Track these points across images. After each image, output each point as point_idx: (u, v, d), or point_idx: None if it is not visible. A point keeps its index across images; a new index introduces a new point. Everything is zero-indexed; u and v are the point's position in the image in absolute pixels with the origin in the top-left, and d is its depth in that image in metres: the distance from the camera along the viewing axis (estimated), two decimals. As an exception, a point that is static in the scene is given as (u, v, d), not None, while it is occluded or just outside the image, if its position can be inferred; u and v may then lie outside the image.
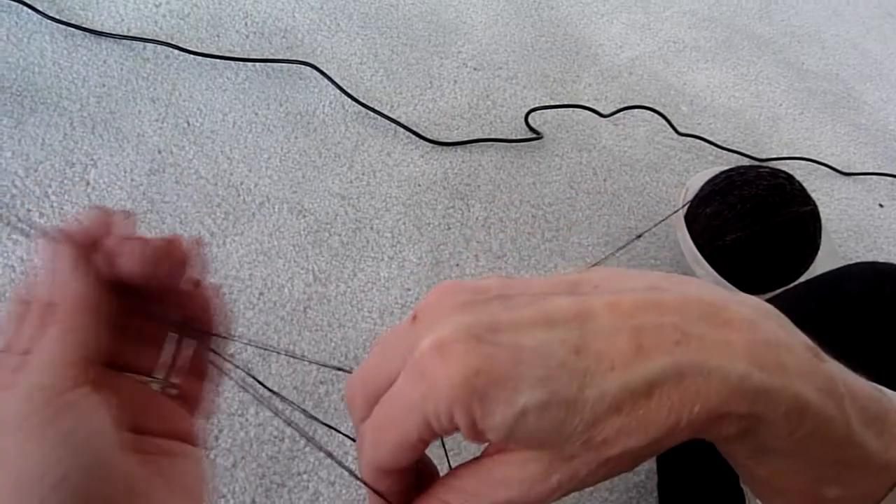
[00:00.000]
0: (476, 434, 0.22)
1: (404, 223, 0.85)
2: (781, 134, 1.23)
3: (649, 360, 0.20)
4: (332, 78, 0.94)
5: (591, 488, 0.71)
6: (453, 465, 0.25)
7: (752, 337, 0.21)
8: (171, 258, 0.26)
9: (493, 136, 0.98)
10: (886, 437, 0.23)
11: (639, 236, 0.92)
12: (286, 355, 0.69)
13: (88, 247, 0.26)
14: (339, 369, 0.41)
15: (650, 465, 0.74)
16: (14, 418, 0.21)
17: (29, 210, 0.70)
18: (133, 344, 0.28)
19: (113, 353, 0.27)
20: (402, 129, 0.94)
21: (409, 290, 0.80)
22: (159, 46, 0.89)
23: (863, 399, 0.23)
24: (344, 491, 0.65)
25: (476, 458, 0.23)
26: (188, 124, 0.83)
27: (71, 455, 0.22)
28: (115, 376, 0.27)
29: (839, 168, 1.19)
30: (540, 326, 0.21)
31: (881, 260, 0.87)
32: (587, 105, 1.08)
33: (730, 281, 0.83)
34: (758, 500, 0.30)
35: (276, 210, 0.80)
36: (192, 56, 0.89)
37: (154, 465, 0.25)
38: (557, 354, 0.20)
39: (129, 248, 0.25)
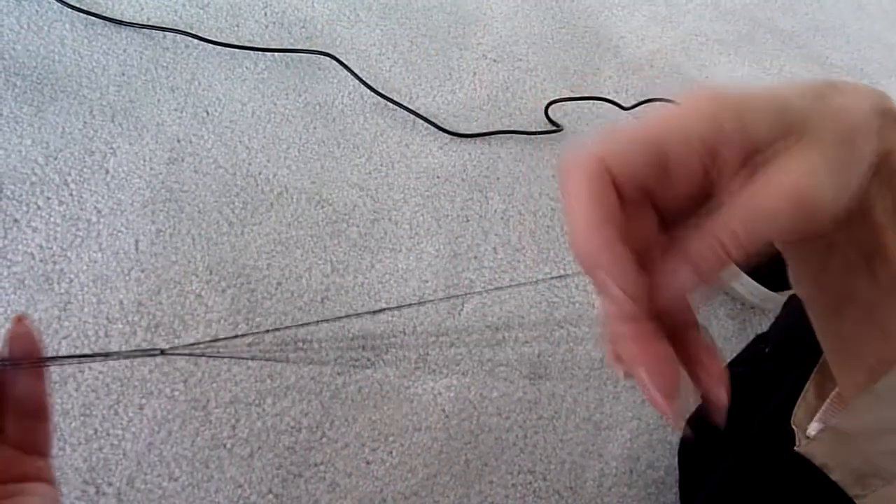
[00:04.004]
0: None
1: (422, 215, 0.85)
2: (805, 128, 1.21)
3: None
4: (352, 69, 0.93)
5: (611, 483, 0.70)
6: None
7: None
8: None
9: (512, 129, 0.97)
10: None
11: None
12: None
13: None
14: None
15: (670, 460, 0.73)
16: None
17: (49, 198, 0.70)
18: None
19: None
20: (420, 121, 0.93)
21: (426, 281, 0.79)
22: (179, 35, 0.88)
23: None
24: (361, 482, 0.65)
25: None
26: (207, 114, 0.83)
27: None
28: None
29: (864, 164, 1.17)
30: None
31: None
32: (608, 98, 1.07)
33: (751, 276, 0.82)
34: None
35: (295, 200, 0.80)
36: (211, 45, 0.89)
37: None
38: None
39: None
